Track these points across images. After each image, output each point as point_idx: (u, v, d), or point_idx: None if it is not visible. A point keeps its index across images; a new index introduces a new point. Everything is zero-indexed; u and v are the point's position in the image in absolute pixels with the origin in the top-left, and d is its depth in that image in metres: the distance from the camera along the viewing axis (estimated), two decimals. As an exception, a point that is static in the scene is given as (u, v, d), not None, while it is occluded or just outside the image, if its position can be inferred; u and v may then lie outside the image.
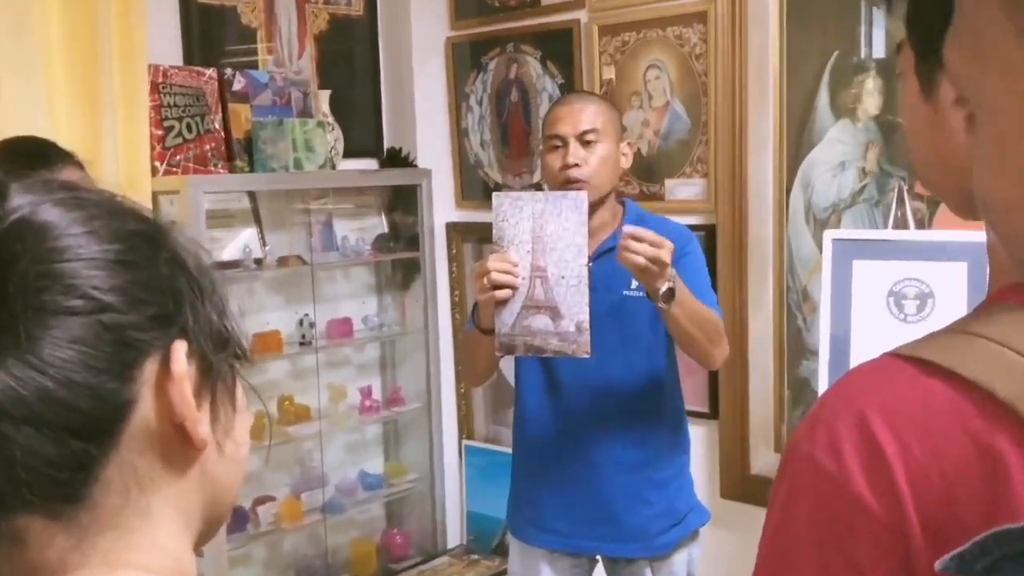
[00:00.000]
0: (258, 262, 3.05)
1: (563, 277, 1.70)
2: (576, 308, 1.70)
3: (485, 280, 1.71)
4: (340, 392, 3.31)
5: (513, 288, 1.71)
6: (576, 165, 1.86)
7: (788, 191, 2.59)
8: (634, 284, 1.91)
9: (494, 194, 1.74)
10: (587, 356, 1.72)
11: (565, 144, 1.88)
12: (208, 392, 0.60)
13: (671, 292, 1.68)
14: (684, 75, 2.78)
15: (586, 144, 1.87)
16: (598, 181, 1.88)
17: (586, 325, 1.71)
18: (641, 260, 1.63)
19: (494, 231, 1.73)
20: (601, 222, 1.93)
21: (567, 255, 1.69)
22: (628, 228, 1.66)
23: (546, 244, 1.70)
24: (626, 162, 1.98)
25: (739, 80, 2.62)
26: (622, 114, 2.97)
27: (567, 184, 1.86)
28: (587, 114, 1.89)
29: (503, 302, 1.72)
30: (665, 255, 1.64)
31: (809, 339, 2.60)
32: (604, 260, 1.90)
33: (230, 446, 0.62)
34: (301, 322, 3.19)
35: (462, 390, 3.60)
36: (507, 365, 3.45)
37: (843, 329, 1.85)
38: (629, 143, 2.01)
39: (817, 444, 0.58)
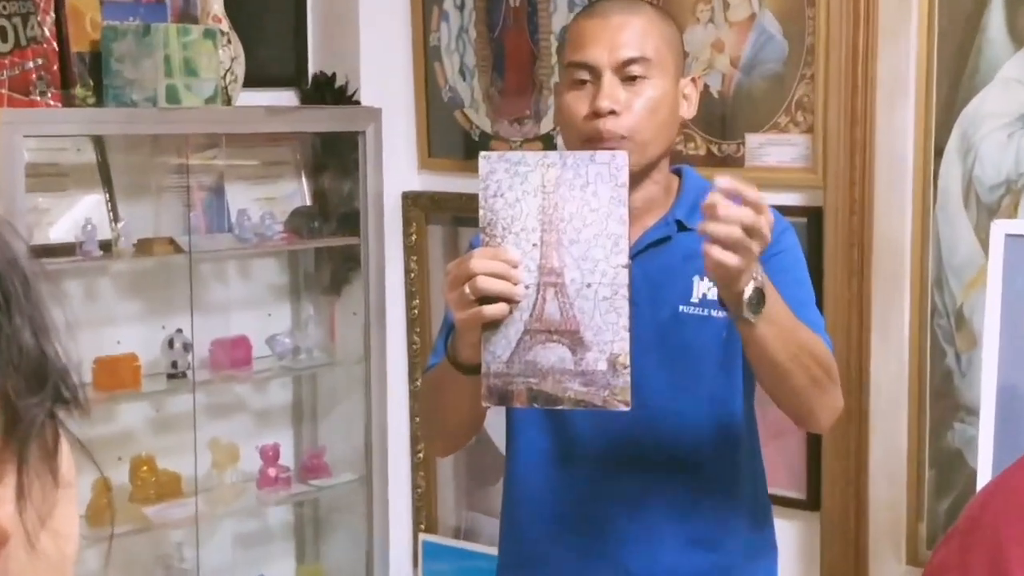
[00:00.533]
0: (106, 247, 3.04)
1: (589, 285, 1.69)
2: (609, 334, 1.70)
3: (467, 288, 1.71)
4: (229, 453, 3.31)
5: (511, 302, 1.71)
6: (613, 112, 1.87)
7: (937, 159, 2.60)
8: (696, 295, 1.91)
9: (482, 155, 1.74)
10: (626, 409, 1.73)
11: (597, 78, 1.88)
12: (12, 456, 0.60)
13: (760, 296, 1.69)
14: (780, -26, 2.81)
15: (629, 81, 1.88)
16: (645, 137, 1.88)
17: (625, 360, 1.71)
18: (738, 232, 1.63)
19: (481, 212, 1.73)
20: (647, 200, 1.93)
21: (596, 251, 1.69)
22: (721, 182, 1.67)
23: (563, 233, 1.69)
24: (689, 110, 1.98)
25: (865, -16, 2.65)
26: (681, 31, 2.98)
27: (596, 141, 1.86)
28: (632, 33, 1.89)
29: (494, 324, 1.73)
30: (766, 225, 1.65)
31: (965, 389, 2.61)
32: (650, 258, 1.90)
33: (47, 539, 0.62)
34: (171, 342, 3.19)
35: (420, 456, 3.60)
36: (494, 419, 3.46)
37: (1019, 374, 1.86)
38: (695, 79, 2.01)
39: None
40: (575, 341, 1.70)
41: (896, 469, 2.70)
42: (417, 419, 3.57)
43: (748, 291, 1.66)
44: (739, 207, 1.63)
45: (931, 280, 2.63)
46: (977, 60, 2.53)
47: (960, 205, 2.59)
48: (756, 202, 1.64)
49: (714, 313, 1.89)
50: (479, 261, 1.69)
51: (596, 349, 1.69)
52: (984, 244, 2.53)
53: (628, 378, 1.69)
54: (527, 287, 1.70)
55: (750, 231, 1.62)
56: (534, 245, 1.70)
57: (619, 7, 1.94)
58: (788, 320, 1.75)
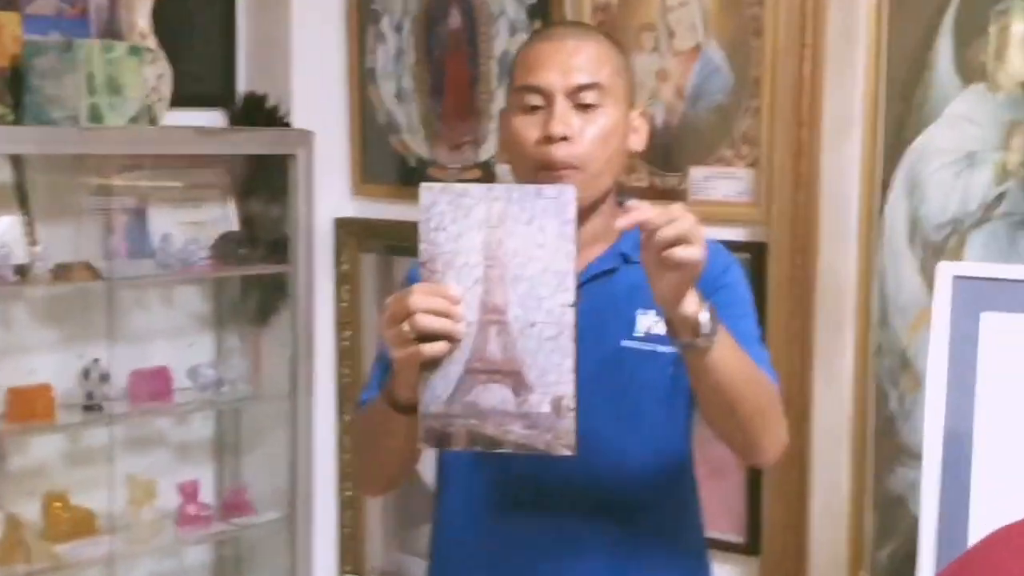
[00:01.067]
0: (21, 271, 3.02)
1: (533, 324, 1.68)
2: (554, 375, 1.69)
3: (406, 326, 1.69)
4: (147, 490, 3.28)
5: (452, 340, 1.70)
6: (565, 138, 1.87)
7: (884, 195, 2.61)
8: (640, 329, 1.91)
9: (423, 186, 1.72)
10: (570, 454, 1.72)
11: (549, 103, 1.88)
12: None
13: (715, 319, 1.68)
14: (726, 2, 2.82)
15: (582, 108, 1.88)
16: (596, 168, 1.88)
17: (570, 403, 1.69)
18: (681, 224, 1.63)
19: (421, 246, 1.71)
20: (593, 232, 1.92)
21: (541, 288, 1.67)
22: (632, 203, 1.66)
23: (507, 269, 1.67)
24: (638, 142, 1.98)
25: (812, 15, 2.65)
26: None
27: (547, 168, 1.86)
28: (586, 58, 1.89)
29: (434, 363, 1.71)
30: (701, 234, 1.65)
31: (909, 432, 2.60)
32: (594, 290, 1.89)
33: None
34: (87, 373, 3.17)
35: (348, 494, 3.58)
36: (426, 456, 3.44)
37: (964, 419, 1.86)
38: (643, 112, 2.02)
39: None
40: (518, 382, 1.68)
41: (837, 514, 2.70)
42: (345, 455, 3.56)
43: (704, 312, 1.66)
44: (652, 214, 1.63)
45: (875, 319, 2.64)
46: (925, 96, 2.54)
47: (905, 243, 2.59)
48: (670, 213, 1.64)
49: (659, 348, 1.88)
50: (419, 297, 1.67)
51: (540, 391, 1.68)
52: (930, 284, 2.53)
53: (573, 422, 1.67)
54: (469, 325, 1.69)
55: (682, 236, 1.61)
56: (476, 281, 1.68)
57: (573, 32, 1.95)
58: (735, 350, 1.75)
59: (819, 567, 2.74)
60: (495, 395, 1.69)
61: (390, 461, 1.93)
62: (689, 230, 1.61)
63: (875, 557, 2.67)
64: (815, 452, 2.71)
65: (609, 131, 1.89)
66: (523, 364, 1.68)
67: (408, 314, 1.66)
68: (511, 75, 1.98)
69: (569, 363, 1.67)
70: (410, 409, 1.75)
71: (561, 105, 1.86)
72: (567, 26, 1.98)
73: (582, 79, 1.88)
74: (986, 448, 1.85)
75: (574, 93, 1.87)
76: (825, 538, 2.73)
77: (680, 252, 1.61)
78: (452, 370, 1.69)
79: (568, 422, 1.67)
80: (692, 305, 1.65)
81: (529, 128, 1.88)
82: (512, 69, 1.98)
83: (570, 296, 1.67)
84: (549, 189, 1.68)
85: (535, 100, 1.89)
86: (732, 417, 1.78)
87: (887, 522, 2.65)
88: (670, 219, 1.62)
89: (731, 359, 1.73)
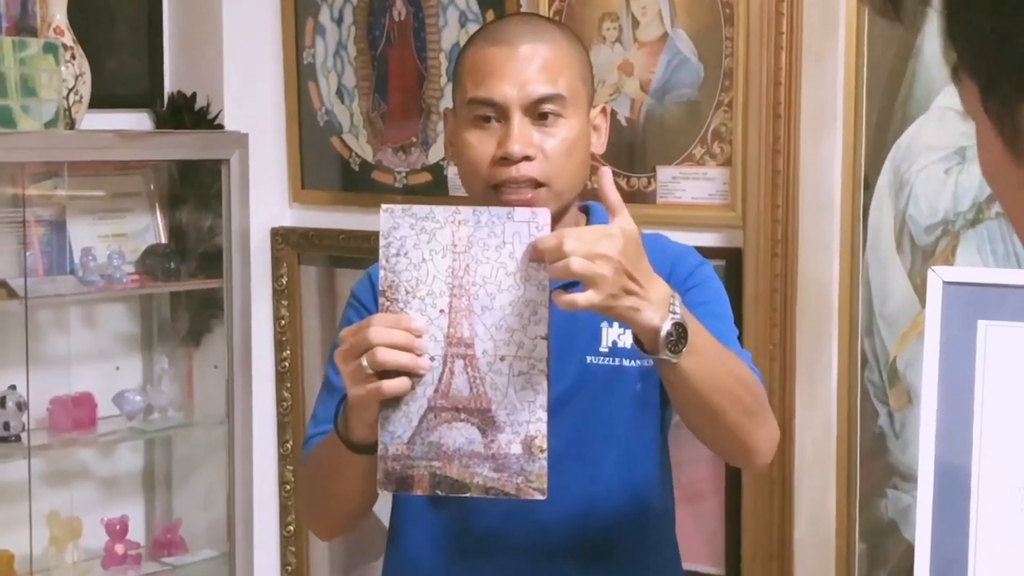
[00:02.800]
0: (-73, 291, 2.99)
1: (503, 358, 1.68)
2: (525, 413, 1.69)
3: (364, 361, 1.68)
4: (70, 528, 3.26)
5: (414, 376, 1.69)
6: (527, 158, 1.85)
7: (867, 195, 2.62)
8: (604, 343, 1.91)
9: (383, 208, 1.70)
10: (541, 498, 1.71)
11: (504, 117, 1.86)
12: None
13: (680, 331, 1.68)
14: (694, -11, 2.83)
15: (540, 119, 1.86)
16: (562, 185, 1.87)
17: (542, 443, 1.69)
18: (579, 264, 1.62)
19: (382, 273, 1.70)
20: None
21: (511, 319, 1.67)
22: (530, 246, 1.67)
23: (475, 299, 1.68)
24: (599, 143, 1.98)
25: (789, 1, 2.65)
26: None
27: (506, 186, 1.84)
28: (542, 65, 1.86)
29: (394, 400, 1.70)
30: (605, 248, 1.64)
31: (899, 452, 2.61)
32: (554, 305, 1.89)
33: None
34: (3, 401, 3.15)
35: (291, 528, 3.55)
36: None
37: (962, 437, 1.86)
38: (604, 108, 2.01)
39: None
40: (485, 421, 1.69)
41: (824, 541, 2.70)
42: (287, 486, 3.55)
43: (666, 327, 1.65)
44: (555, 238, 1.64)
45: (861, 329, 2.64)
46: (911, 87, 2.55)
47: (893, 247, 2.60)
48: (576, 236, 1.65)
49: (626, 362, 1.90)
50: (378, 330, 1.66)
51: (509, 430, 1.69)
52: (919, 290, 2.54)
53: (545, 463, 1.69)
54: (432, 359, 1.69)
55: (589, 257, 1.61)
56: (441, 311, 1.68)
57: (524, 32, 1.91)
58: (714, 351, 1.76)
59: (805, 599, 2.74)
60: (461, 435, 1.69)
61: (345, 503, 1.92)
62: (579, 272, 1.62)
63: (865, 588, 2.67)
64: (798, 475, 2.71)
65: (572, 142, 1.88)
66: (491, 401, 1.69)
67: (367, 348, 1.66)
68: (457, 78, 1.96)
69: (542, 400, 1.68)
70: (367, 449, 1.75)
71: (518, 121, 1.85)
72: (518, 23, 1.95)
73: (540, 91, 1.86)
74: (986, 468, 1.85)
75: (532, 106, 1.86)
76: (810, 568, 2.72)
77: (567, 300, 1.64)
78: (413, 408, 1.70)
79: (540, 464, 1.68)
80: (650, 320, 1.65)
81: (483, 144, 1.87)
82: (458, 72, 1.95)
83: (543, 327, 1.68)
84: (521, 212, 1.69)
85: (488, 112, 1.87)
86: (717, 423, 1.79)
87: (878, 550, 2.65)
88: (560, 257, 1.62)
89: (707, 365, 1.73)
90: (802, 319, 2.70)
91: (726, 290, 2.06)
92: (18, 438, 3.14)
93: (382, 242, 1.69)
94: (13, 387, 3.15)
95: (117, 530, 3.33)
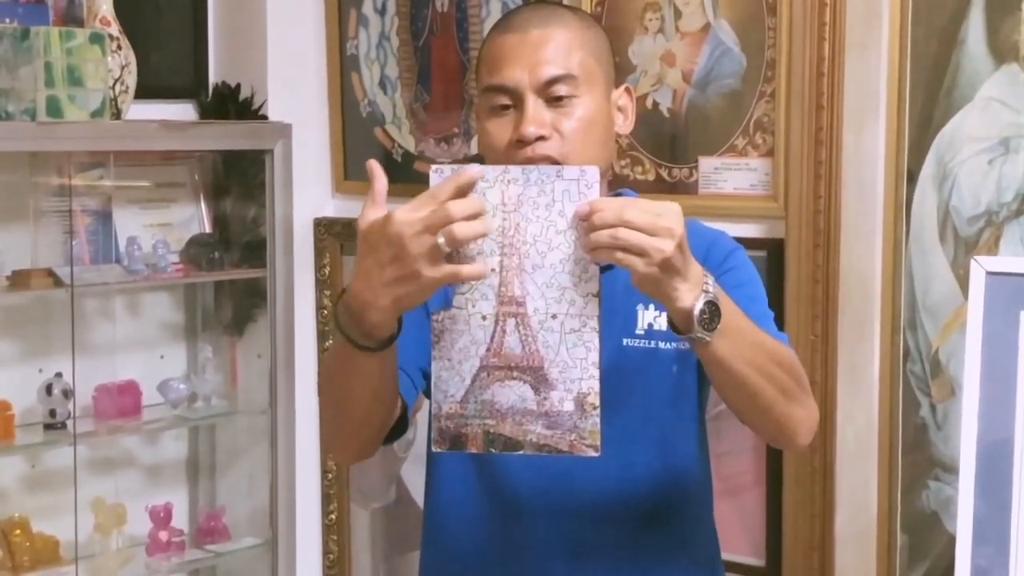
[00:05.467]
0: (-25, 279, 3.02)
1: (554, 316, 1.68)
2: (577, 371, 1.69)
3: (441, 239, 1.58)
4: (115, 515, 3.27)
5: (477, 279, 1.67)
6: (541, 138, 1.86)
7: (911, 186, 2.61)
8: (640, 325, 1.92)
9: (433, 168, 1.68)
10: (595, 455, 1.71)
11: (519, 102, 1.87)
12: None
13: (713, 310, 1.68)
14: (737, -21, 2.82)
15: (555, 101, 1.87)
16: (580, 162, 1.86)
17: (595, 400, 1.69)
18: (623, 232, 1.59)
19: None
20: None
21: (562, 277, 1.67)
22: (583, 205, 1.64)
23: (525, 258, 1.67)
24: (626, 124, 1.98)
25: (831, -8, 2.66)
26: (627, 43, 2.99)
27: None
28: (553, 48, 1.88)
29: (447, 360, 1.69)
30: (671, 221, 1.63)
31: (941, 443, 2.60)
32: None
33: None
34: (49, 388, 3.16)
35: (333, 517, 3.56)
36: (414, 475, 3.44)
37: (1005, 429, 1.85)
38: (629, 89, 2.01)
39: None
40: (538, 378, 1.69)
41: (865, 534, 2.69)
42: (330, 475, 3.55)
43: (699, 306, 1.65)
44: (608, 213, 1.60)
45: (903, 321, 2.63)
46: (955, 77, 2.54)
47: (935, 238, 2.59)
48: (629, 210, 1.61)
49: (662, 345, 1.90)
50: (457, 204, 1.58)
51: (562, 387, 1.68)
52: (962, 282, 2.52)
53: (598, 420, 1.68)
54: (485, 318, 1.68)
55: (645, 229, 1.59)
56: (492, 271, 1.67)
57: (536, 19, 1.92)
58: (749, 331, 1.75)
59: (845, 591, 2.73)
60: (513, 393, 1.69)
61: (359, 410, 1.82)
62: (633, 243, 1.59)
63: (906, 579, 2.66)
64: (840, 467, 2.70)
65: (589, 121, 1.89)
66: (544, 359, 1.68)
67: (447, 222, 1.57)
68: (476, 70, 1.97)
69: (594, 357, 1.68)
70: (378, 346, 1.68)
71: (532, 103, 1.86)
72: (531, 11, 1.96)
73: (551, 72, 1.87)
74: (1028, 460, 1.84)
75: (544, 88, 1.87)
76: (851, 560, 2.72)
77: (639, 278, 1.61)
78: (466, 367, 1.69)
79: (593, 420, 1.68)
80: (684, 298, 1.64)
81: (500, 131, 1.88)
82: (477, 64, 1.97)
83: (594, 285, 1.67)
84: (570, 170, 1.67)
85: (503, 100, 1.89)
86: (754, 403, 1.79)
87: (919, 542, 2.64)
88: (616, 217, 1.60)
89: (742, 345, 1.72)
90: (844, 310, 2.69)
91: (768, 281, 2.07)
92: (64, 425, 3.15)
93: None
94: (59, 375, 3.16)
95: (161, 517, 3.35)
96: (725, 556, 2.12)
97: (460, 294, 1.69)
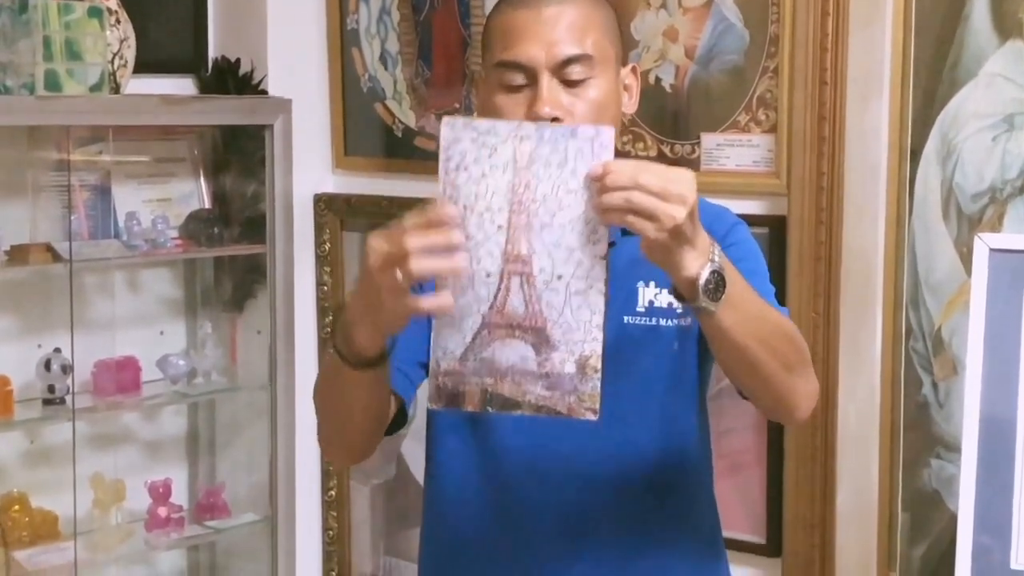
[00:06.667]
0: (-26, 254, 3.02)
1: (560, 277, 1.67)
2: (580, 332, 1.68)
3: (398, 274, 1.64)
4: (114, 491, 3.28)
5: (455, 277, 1.68)
6: (556, 119, 1.85)
7: (914, 163, 2.60)
8: (641, 303, 1.92)
9: (445, 120, 1.67)
10: (593, 418, 1.71)
11: (532, 80, 1.86)
12: None
13: (719, 279, 1.67)
14: (740, -46, 2.81)
15: (570, 84, 1.87)
16: None
17: (597, 363, 1.68)
18: (638, 196, 1.59)
19: (440, 187, 1.69)
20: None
21: (570, 238, 1.66)
22: (596, 166, 1.63)
23: (534, 216, 1.65)
24: (631, 103, 1.97)
25: (835, -33, 2.65)
26: (630, 18, 2.97)
27: None
28: (569, 26, 1.86)
29: (449, 316, 1.68)
30: (684, 188, 1.62)
31: (943, 421, 2.60)
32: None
33: None
34: (47, 364, 3.16)
35: (332, 493, 3.57)
36: (415, 450, 3.44)
37: (1007, 407, 1.85)
38: (634, 68, 2.00)
39: None
40: (540, 339, 1.67)
41: (865, 511, 2.69)
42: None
43: (704, 275, 1.64)
44: (622, 175, 1.59)
45: (906, 299, 2.63)
46: (959, 53, 2.53)
47: (939, 215, 2.59)
48: (644, 172, 1.59)
49: (663, 322, 1.90)
50: (413, 237, 1.59)
51: (564, 349, 1.67)
52: (965, 259, 2.52)
53: (598, 383, 1.67)
54: (489, 275, 1.66)
55: (658, 193, 1.58)
56: (499, 227, 1.65)
57: None
58: (754, 303, 1.75)
59: (845, 569, 2.74)
60: (514, 352, 1.67)
61: (353, 417, 1.85)
62: (645, 207, 1.57)
63: (907, 558, 2.66)
64: (841, 444, 2.70)
65: (602, 104, 1.88)
66: (547, 320, 1.67)
67: (403, 256, 1.58)
68: (484, 43, 1.95)
69: (598, 320, 1.67)
70: (370, 362, 1.71)
71: (547, 83, 1.85)
72: None
73: (567, 51, 1.85)
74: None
75: (559, 68, 1.85)
76: (852, 538, 2.72)
77: (651, 243, 1.59)
78: (468, 323, 1.67)
79: (594, 384, 1.67)
80: (690, 267, 1.63)
81: (512, 108, 1.87)
82: (485, 37, 1.95)
83: (603, 247, 1.65)
84: (585, 129, 1.66)
85: (517, 79, 1.87)
86: (756, 375, 1.78)
87: (920, 520, 2.65)
88: (623, 184, 1.58)
89: (746, 315, 1.72)
90: (846, 287, 2.68)
91: (770, 258, 2.06)
92: (63, 401, 3.15)
93: (442, 156, 1.65)
94: (58, 350, 3.15)
95: (160, 493, 3.35)
96: (725, 533, 2.12)
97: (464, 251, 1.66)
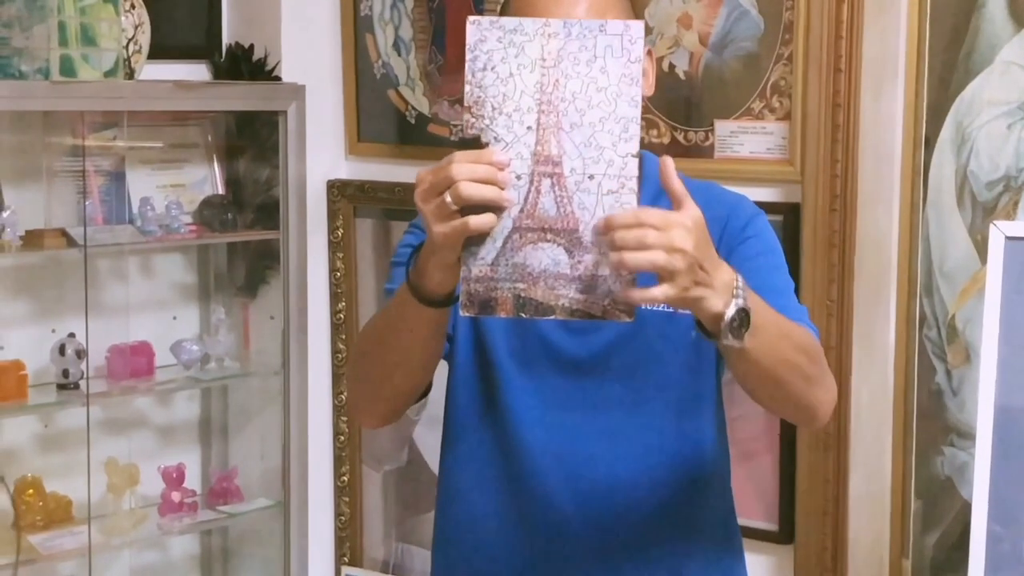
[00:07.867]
0: (-11, 239, 3.01)
1: (591, 177, 1.63)
2: None
3: (447, 196, 1.62)
4: (127, 475, 3.28)
5: (500, 210, 1.66)
6: None
7: (928, 150, 2.60)
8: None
9: (470, 19, 1.64)
10: (629, 320, 1.68)
11: (548, 65, 1.87)
12: None
13: (744, 317, 1.66)
14: (755, -59, 2.81)
15: None
16: None
17: None
18: (660, 257, 1.59)
19: (467, 88, 1.66)
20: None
21: (601, 137, 1.63)
22: (609, 218, 1.61)
23: (564, 116, 1.63)
24: (648, 87, 1.95)
25: (851, -46, 2.64)
26: (644, 4, 2.95)
27: None
28: (589, 8, 1.86)
29: (479, 237, 1.67)
30: (685, 240, 1.61)
31: (957, 409, 2.61)
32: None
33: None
34: (62, 348, 3.16)
35: (345, 479, 3.57)
36: (429, 437, 3.43)
37: (1021, 395, 1.85)
38: (650, 51, 1.98)
39: None
40: (573, 241, 1.64)
41: (878, 499, 2.70)
42: (342, 437, 3.55)
43: (729, 313, 1.63)
44: (641, 231, 1.58)
45: (920, 286, 2.63)
46: (974, 41, 2.53)
47: (953, 203, 2.58)
48: (656, 221, 1.59)
49: (680, 310, 1.87)
50: (461, 166, 1.61)
51: (597, 251, 1.62)
52: (979, 247, 2.52)
53: (633, 285, 1.63)
54: (519, 178, 1.64)
55: (667, 248, 1.57)
56: (529, 128, 1.63)
57: None
58: (775, 325, 1.73)
59: (858, 556, 2.74)
60: (546, 256, 1.64)
61: (402, 372, 1.87)
62: (657, 264, 1.57)
63: (919, 545, 2.66)
64: (854, 432, 2.70)
65: None
66: (579, 221, 1.63)
67: (450, 184, 1.60)
68: None
69: None
70: (439, 300, 1.72)
71: None
72: None
73: None
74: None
75: None
76: (865, 525, 2.72)
77: (673, 294, 1.58)
78: (498, 229, 1.64)
79: (628, 285, 1.63)
80: (715, 306, 1.62)
81: None
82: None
83: (634, 145, 1.62)
84: (614, 24, 1.63)
85: None
86: (778, 392, 1.79)
87: (933, 507, 2.65)
88: (636, 243, 1.57)
89: (769, 342, 1.70)
90: (860, 275, 2.68)
91: (784, 246, 2.04)
92: (77, 385, 3.15)
93: (468, 56, 1.63)
94: (72, 335, 3.15)
95: (174, 478, 3.35)
96: (740, 521, 2.11)
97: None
